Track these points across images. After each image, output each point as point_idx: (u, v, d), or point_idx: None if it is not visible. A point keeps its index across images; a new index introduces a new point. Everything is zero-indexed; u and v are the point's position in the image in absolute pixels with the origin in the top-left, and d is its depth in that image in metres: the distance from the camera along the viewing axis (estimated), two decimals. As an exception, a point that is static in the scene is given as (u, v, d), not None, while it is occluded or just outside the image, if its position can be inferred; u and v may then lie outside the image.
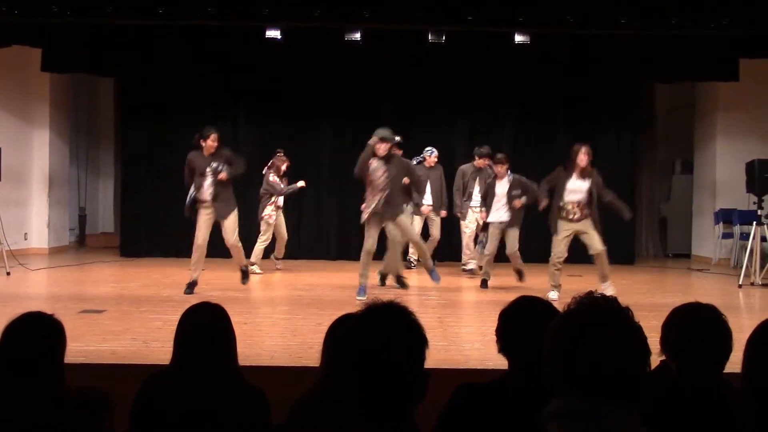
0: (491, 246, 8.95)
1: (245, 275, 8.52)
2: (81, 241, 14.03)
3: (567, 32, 9.85)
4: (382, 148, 7.93)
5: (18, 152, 11.92)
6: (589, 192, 8.04)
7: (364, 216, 7.98)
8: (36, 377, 2.42)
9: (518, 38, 9.76)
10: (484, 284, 9.00)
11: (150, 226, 12.30)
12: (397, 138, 8.59)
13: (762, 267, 9.54)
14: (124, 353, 5.27)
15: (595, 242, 7.98)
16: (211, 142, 8.20)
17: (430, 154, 10.53)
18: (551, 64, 11.09)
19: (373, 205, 7.88)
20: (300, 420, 2.48)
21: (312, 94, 12.03)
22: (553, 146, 12.19)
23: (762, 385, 2.23)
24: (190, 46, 10.64)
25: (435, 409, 2.34)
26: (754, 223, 9.52)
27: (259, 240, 10.36)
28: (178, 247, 12.14)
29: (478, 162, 10.19)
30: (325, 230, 12.28)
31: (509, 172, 9.04)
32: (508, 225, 8.82)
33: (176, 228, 12.25)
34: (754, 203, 9.57)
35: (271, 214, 10.29)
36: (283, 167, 10.50)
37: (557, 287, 8.10)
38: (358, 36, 9.79)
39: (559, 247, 8.08)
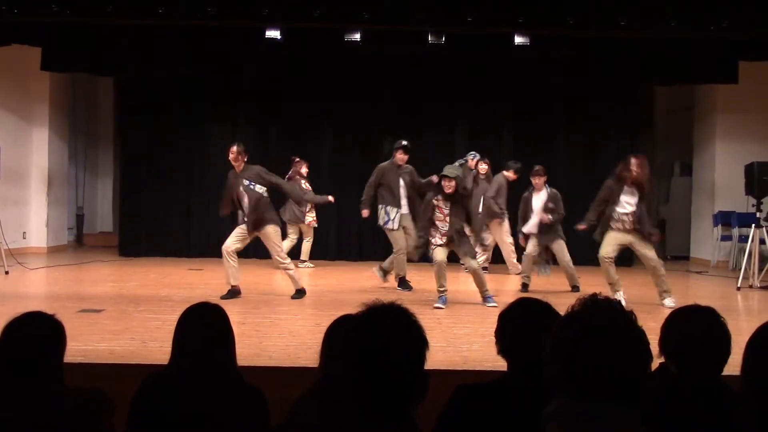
0: (530, 248, 8.98)
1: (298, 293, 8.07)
2: (79, 241, 14.02)
3: (566, 33, 9.85)
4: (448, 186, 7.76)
5: (17, 151, 11.92)
6: (640, 205, 7.81)
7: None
8: (36, 377, 2.41)
9: (518, 39, 9.76)
10: (524, 288, 8.99)
11: (149, 225, 12.29)
12: (404, 142, 8.99)
13: (760, 269, 9.54)
14: (123, 353, 5.27)
15: (650, 254, 7.83)
16: (231, 158, 7.87)
17: (473, 158, 10.59)
18: (551, 65, 11.11)
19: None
20: (299, 420, 2.48)
21: (312, 94, 12.04)
22: (552, 147, 12.21)
23: (761, 388, 2.23)
24: (189, 46, 10.65)
25: (434, 410, 2.34)
26: (753, 225, 9.53)
27: (305, 241, 11.15)
28: (178, 246, 12.16)
29: (511, 175, 10.30)
30: (324, 230, 12.27)
31: (546, 185, 9.09)
32: (550, 238, 8.86)
33: (175, 228, 12.28)
34: (753, 206, 9.56)
35: (315, 218, 11.08)
36: (304, 171, 10.91)
37: (614, 284, 7.89)
38: (357, 37, 9.79)
39: (607, 246, 7.85)
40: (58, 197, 12.85)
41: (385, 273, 9.14)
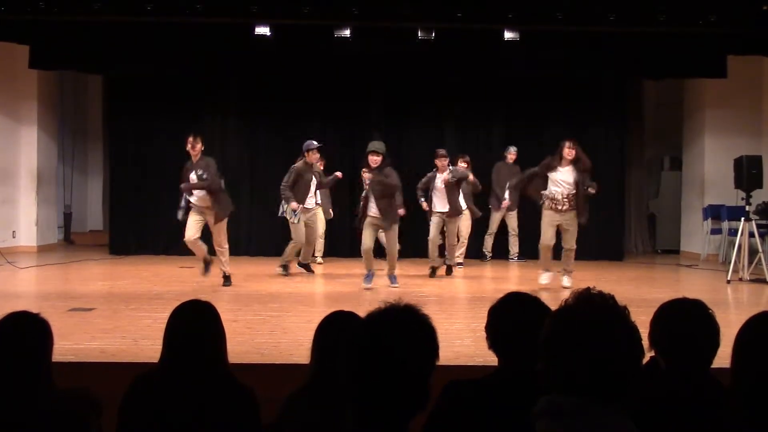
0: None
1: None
2: (69, 239, 13.96)
3: (556, 29, 9.87)
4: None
5: (5, 150, 11.86)
6: (576, 184, 8.26)
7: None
8: (22, 378, 2.39)
9: (507, 35, 9.78)
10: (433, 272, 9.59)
11: (139, 223, 12.25)
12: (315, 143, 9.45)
13: (750, 263, 9.58)
14: (114, 351, 5.25)
15: (571, 239, 8.38)
16: (188, 148, 8.27)
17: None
18: (540, 60, 11.10)
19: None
20: (290, 418, 2.48)
21: (301, 90, 12.01)
22: (542, 141, 12.20)
23: (750, 381, 2.24)
24: (178, 44, 10.60)
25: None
26: (742, 219, 9.57)
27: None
28: (168, 244, 12.10)
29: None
30: (315, 227, 12.25)
31: (450, 166, 9.68)
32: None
33: (166, 225, 12.20)
34: (742, 199, 9.60)
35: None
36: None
37: (548, 270, 8.46)
38: (348, 32, 9.78)
39: (547, 233, 8.36)
40: (48, 196, 12.78)
41: (285, 267, 9.67)
